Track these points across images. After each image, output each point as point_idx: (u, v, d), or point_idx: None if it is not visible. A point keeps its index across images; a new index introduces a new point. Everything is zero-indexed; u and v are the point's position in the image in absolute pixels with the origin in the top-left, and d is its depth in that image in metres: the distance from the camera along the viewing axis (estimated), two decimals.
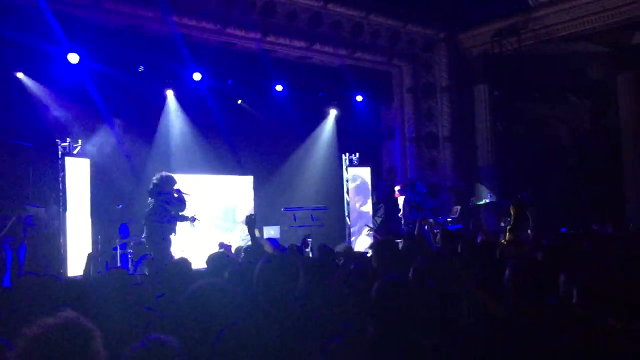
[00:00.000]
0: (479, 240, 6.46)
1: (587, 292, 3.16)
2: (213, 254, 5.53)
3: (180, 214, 8.36)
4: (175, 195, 8.38)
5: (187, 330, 2.82)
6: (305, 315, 3.07)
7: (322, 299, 3.58)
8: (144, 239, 8.42)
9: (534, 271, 3.76)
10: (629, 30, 12.87)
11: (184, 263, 4.55)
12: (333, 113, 13.75)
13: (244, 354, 2.63)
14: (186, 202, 8.44)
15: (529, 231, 6.76)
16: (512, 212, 7.10)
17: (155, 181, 8.38)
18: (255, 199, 12.44)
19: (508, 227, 6.96)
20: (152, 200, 8.29)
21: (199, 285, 3.10)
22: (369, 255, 5.63)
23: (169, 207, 8.23)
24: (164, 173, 8.51)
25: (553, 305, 3.72)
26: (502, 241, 7.00)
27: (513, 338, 3.04)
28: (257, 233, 11.87)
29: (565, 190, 13.46)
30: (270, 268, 3.06)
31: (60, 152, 9.06)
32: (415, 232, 7.82)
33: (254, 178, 12.58)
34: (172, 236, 8.31)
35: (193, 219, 8.51)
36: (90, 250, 8.48)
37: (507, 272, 3.72)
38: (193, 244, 10.32)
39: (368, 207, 12.71)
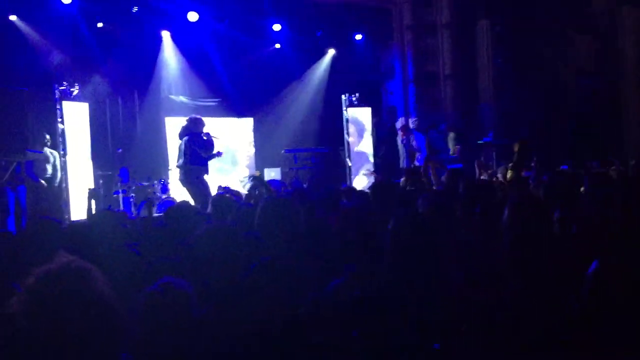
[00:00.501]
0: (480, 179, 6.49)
1: (584, 229, 3.19)
2: (216, 196, 5.57)
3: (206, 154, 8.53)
4: (204, 138, 8.52)
5: (197, 273, 2.86)
6: (306, 256, 3.11)
7: (323, 239, 3.62)
8: (180, 181, 8.61)
9: (533, 209, 3.80)
10: None
11: (186, 206, 4.58)
12: (331, 53, 13.54)
13: (258, 295, 2.69)
14: (214, 145, 8.62)
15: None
16: (515, 150, 7.07)
17: (185, 124, 8.55)
18: (255, 141, 12.43)
19: (510, 165, 6.95)
20: (182, 142, 8.49)
21: (205, 228, 3.13)
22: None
23: (198, 150, 8.37)
24: (193, 115, 8.74)
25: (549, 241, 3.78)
26: (501, 180, 7.02)
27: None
28: (257, 174, 11.97)
29: (566, 129, 13.40)
30: (270, 209, 3.08)
31: (57, 96, 8.97)
32: (422, 172, 7.77)
33: (254, 120, 12.52)
34: (205, 176, 8.51)
35: (219, 154, 8.77)
36: (91, 187, 8.54)
37: (505, 210, 3.75)
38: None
39: (364, 147, 12.68)
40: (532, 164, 6.52)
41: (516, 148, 7.32)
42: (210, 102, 12.25)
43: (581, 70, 14.50)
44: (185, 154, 8.39)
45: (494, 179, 7.12)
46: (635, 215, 3.87)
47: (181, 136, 8.56)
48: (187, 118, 8.74)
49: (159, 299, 2.34)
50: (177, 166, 8.60)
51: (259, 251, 3.15)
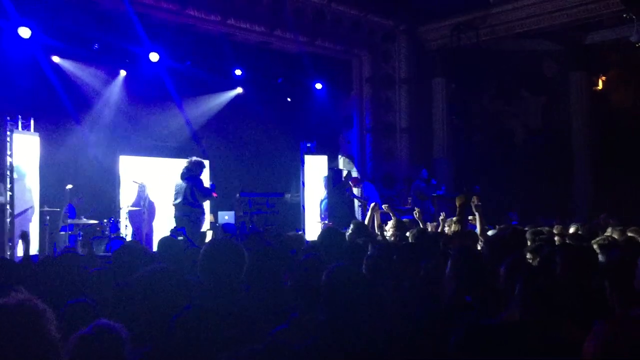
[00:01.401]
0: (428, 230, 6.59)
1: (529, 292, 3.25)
2: (163, 238, 5.49)
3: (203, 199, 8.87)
4: (207, 186, 9.04)
5: (135, 315, 2.81)
6: (251, 303, 3.08)
7: (271, 286, 3.60)
8: (175, 218, 8.77)
9: (474, 262, 3.88)
10: (583, 31, 13.26)
11: (135, 246, 4.50)
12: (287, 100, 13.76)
13: (191, 339, 2.64)
14: (211, 196, 9.07)
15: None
16: (457, 204, 7.21)
17: (187, 165, 8.83)
18: (211, 183, 12.34)
19: (454, 219, 7.08)
20: (182, 183, 8.71)
21: (148, 270, 3.08)
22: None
23: (197, 193, 8.66)
24: (194, 158, 9.01)
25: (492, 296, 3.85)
26: (446, 231, 7.14)
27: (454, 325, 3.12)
28: (211, 218, 11.85)
29: (516, 184, 13.80)
30: (214, 253, 3.05)
31: (8, 128, 8.79)
32: (366, 221, 7.87)
33: (210, 162, 12.47)
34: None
35: (214, 196, 9.28)
36: (24, 229, 8.30)
37: (449, 262, 3.82)
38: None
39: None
40: (472, 218, 6.67)
41: (458, 202, 7.47)
42: (177, 143, 12.22)
43: (531, 127, 15.08)
44: (185, 195, 8.62)
45: (439, 231, 7.26)
46: (574, 280, 3.97)
47: (183, 176, 8.75)
48: (188, 160, 8.95)
49: (91, 342, 2.29)
50: (174, 204, 8.76)
51: (200, 295, 3.12)
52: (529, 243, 5.73)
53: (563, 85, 14.31)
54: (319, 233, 6.23)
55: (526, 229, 6.16)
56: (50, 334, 1.77)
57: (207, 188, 9.05)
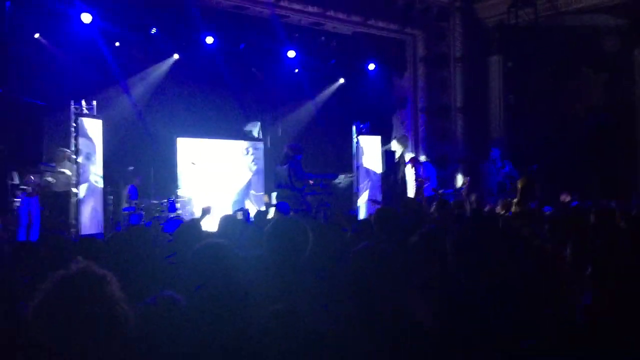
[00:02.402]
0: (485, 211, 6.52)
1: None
2: (224, 215, 5.63)
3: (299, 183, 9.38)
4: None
5: (192, 287, 2.91)
6: (312, 278, 3.13)
7: (329, 262, 3.65)
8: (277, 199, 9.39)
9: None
10: None
11: (193, 224, 4.65)
12: (341, 81, 13.70)
13: (249, 314, 2.73)
14: (306, 181, 9.62)
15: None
16: (519, 186, 7.10)
17: (286, 150, 9.48)
18: (265, 165, 12.52)
19: (515, 200, 6.97)
20: (283, 167, 9.32)
21: (205, 243, 3.18)
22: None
23: (294, 177, 9.23)
24: (292, 143, 9.73)
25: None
26: (505, 213, 7.04)
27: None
28: (266, 199, 12.04)
29: (577, 165, 13.42)
30: (280, 229, 3.11)
31: (73, 112, 9.12)
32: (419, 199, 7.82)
33: (265, 144, 12.64)
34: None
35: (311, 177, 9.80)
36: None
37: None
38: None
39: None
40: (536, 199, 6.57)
41: (520, 185, 7.34)
42: (233, 125, 12.43)
43: (593, 106, 14.57)
44: (283, 179, 9.24)
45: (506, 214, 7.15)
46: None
47: (283, 161, 9.34)
48: (287, 145, 9.56)
49: (154, 311, 2.41)
50: (276, 188, 9.45)
51: (260, 271, 3.20)
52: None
53: (626, 61, 13.71)
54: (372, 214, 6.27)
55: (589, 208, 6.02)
56: (114, 297, 1.82)
57: (304, 173, 9.50)
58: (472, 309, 2.79)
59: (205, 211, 5.98)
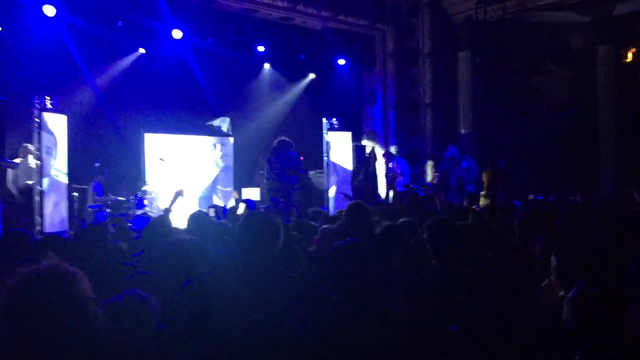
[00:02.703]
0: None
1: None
2: (193, 212, 5.55)
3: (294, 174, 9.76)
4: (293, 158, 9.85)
5: (162, 285, 2.84)
6: (282, 275, 3.09)
7: (298, 259, 3.61)
8: (268, 192, 9.78)
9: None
10: (611, 1, 12.91)
11: (162, 221, 4.55)
12: (311, 77, 13.65)
13: (217, 311, 2.67)
14: (299, 165, 10.02)
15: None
16: (484, 180, 7.17)
17: (275, 145, 9.81)
18: (235, 161, 12.40)
19: (482, 193, 7.04)
20: (273, 161, 9.66)
21: (174, 240, 3.11)
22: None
23: (287, 169, 9.53)
24: (281, 138, 9.96)
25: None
26: (473, 207, 7.11)
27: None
28: (236, 195, 11.93)
29: (542, 159, 13.64)
30: (251, 225, 3.06)
31: (36, 107, 8.88)
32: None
33: (234, 140, 12.51)
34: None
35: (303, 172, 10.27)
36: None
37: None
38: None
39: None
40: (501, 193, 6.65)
41: (486, 177, 7.41)
42: (202, 120, 12.27)
43: (558, 101, 14.83)
44: (273, 172, 9.58)
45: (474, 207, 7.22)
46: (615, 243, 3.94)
47: (272, 155, 9.71)
48: (277, 140, 9.90)
49: (120, 310, 2.35)
50: (265, 182, 9.90)
51: (230, 267, 3.14)
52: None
53: (590, 58, 13.99)
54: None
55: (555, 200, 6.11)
56: (85, 294, 1.79)
57: (294, 161, 9.88)
58: (447, 302, 2.79)
59: (178, 194, 5.85)
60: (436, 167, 12.76)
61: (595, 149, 13.82)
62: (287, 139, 9.91)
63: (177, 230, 4.71)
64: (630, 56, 13.93)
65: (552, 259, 3.52)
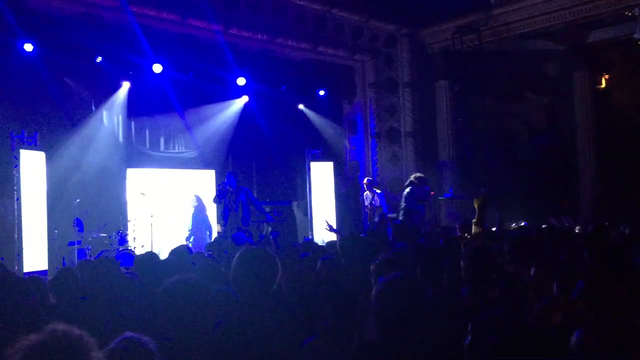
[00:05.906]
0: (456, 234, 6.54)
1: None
2: (176, 247, 5.48)
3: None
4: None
5: (162, 328, 2.74)
6: (283, 311, 3.01)
7: (298, 293, 3.54)
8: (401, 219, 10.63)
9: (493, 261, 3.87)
10: (585, 29, 13.23)
11: (152, 258, 4.45)
12: (300, 107, 13.58)
13: (224, 353, 2.57)
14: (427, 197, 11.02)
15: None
16: (475, 206, 7.18)
17: (412, 179, 10.97)
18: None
19: (473, 221, 7.04)
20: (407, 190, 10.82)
21: (171, 282, 3.01)
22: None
23: (418, 200, 10.70)
24: (418, 174, 11.25)
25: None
26: (467, 235, 7.09)
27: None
28: (219, 228, 11.74)
29: (522, 186, 13.75)
30: (248, 261, 2.98)
31: (15, 143, 8.74)
32: (375, 228, 7.83)
33: (216, 172, 12.42)
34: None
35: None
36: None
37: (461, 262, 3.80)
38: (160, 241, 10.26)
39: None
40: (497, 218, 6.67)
41: (476, 204, 7.42)
42: (183, 154, 12.15)
43: (535, 127, 15.05)
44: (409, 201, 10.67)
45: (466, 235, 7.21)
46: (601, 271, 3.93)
47: (408, 186, 10.86)
48: (414, 175, 11.10)
49: (121, 356, 2.24)
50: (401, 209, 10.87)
51: (230, 307, 3.05)
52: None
53: (566, 84, 14.26)
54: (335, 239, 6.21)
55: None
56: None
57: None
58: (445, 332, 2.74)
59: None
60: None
61: (574, 173, 14.00)
62: (422, 175, 11.23)
63: (172, 267, 4.60)
64: (604, 82, 14.25)
65: (554, 287, 3.54)
